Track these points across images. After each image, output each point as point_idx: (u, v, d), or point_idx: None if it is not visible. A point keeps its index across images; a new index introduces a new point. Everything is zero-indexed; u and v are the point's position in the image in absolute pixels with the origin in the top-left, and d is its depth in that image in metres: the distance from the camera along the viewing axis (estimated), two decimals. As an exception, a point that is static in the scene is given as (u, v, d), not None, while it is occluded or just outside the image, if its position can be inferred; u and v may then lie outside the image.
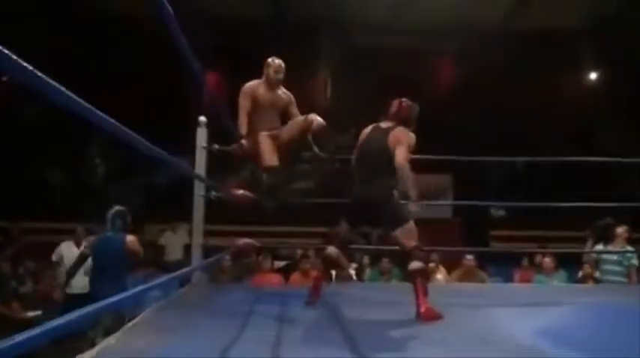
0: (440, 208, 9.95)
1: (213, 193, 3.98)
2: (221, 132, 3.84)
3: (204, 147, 3.96)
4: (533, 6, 8.74)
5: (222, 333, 2.29)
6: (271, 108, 3.68)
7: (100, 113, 1.35)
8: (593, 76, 10.69)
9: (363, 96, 9.33)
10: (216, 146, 4.00)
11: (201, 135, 3.99)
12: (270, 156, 3.55)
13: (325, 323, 2.63)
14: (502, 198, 7.36)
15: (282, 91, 3.74)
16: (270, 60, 3.66)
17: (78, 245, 6.01)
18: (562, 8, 8.78)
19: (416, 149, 3.18)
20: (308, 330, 2.44)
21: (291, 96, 3.78)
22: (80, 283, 5.08)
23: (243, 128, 3.54)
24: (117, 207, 4.32)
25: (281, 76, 3.65)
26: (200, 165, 3.93)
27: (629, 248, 5.12)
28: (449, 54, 9.94)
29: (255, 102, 3.60)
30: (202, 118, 4.02)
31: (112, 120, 1.42)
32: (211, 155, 4.02)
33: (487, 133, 9.50)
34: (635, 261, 5.07)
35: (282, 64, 3.66)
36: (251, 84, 3.66)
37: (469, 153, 4.73)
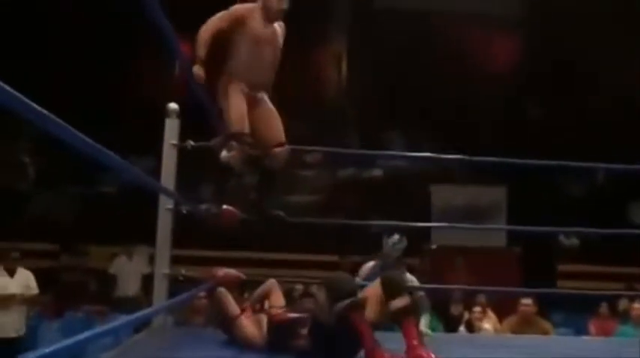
0: (490, 234, 9.93)
1: (185, 207, 4.00)
2: (198, 123, 3.87)
3: (174, 145, 3.98)
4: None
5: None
6: (268, 46, 3.52)
7: (26, 100, 1.34)
8: None
9: (388, 77, 9.41)
10: (191, 142, 4.02)
11: (171, 129, 3.99)
12: (239, 119, 3.42)
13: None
14: (575, 221, 7.35)
15: (279, 25, 3.59)
16: None
17: (10, 273, 6.04)
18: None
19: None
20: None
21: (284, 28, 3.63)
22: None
23: (202, 48, 3.36)
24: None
25: (286, 5, 3.48)
26: (168, 169, 3.94)
27: None
28: (506, 23, 9.99)
29: (243, 34, 3.46)
30: (173, 105, 4.03)
31: (42, 110, 1.41)
32: (184, 154, 4.04)
33: (556, 130, 9.52)
34: None
35: None
36: (243, 6, 3.47)
37: (530, 157, 4.72)
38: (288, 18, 3.57)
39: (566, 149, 9.63)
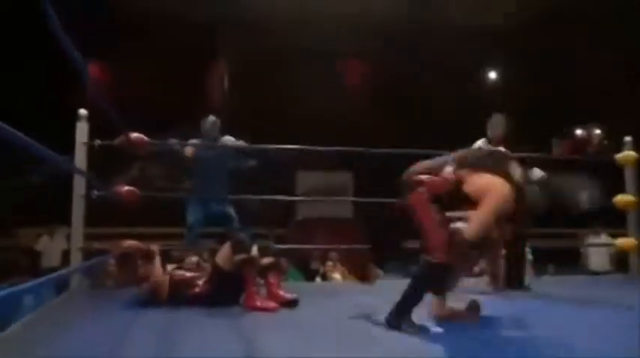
0: (340, 208, 10.33)
1: (95, 192, 3.92)
2: (103, 126, 3.79)
3: (84, 143, 3.90)
4: (435, 6, 9.27)
5: (105, 342, 2.32)
6: None
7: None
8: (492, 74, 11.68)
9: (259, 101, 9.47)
10: (98, 141, 3.95)
11: (82, 130, 3.92)
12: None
13: (224, 328, 2.71)
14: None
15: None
16: None
17: None
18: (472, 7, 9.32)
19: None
20: (205, 334, 2.52)
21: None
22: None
23: None
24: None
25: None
26: (80, 163, 3.86)
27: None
28: (350, 55, 10.20)
29: None
30: (83, 111, 3.95)
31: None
32: (93, 152, 3.95)
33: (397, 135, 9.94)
34: None
35: None
36: None
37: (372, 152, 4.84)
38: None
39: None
